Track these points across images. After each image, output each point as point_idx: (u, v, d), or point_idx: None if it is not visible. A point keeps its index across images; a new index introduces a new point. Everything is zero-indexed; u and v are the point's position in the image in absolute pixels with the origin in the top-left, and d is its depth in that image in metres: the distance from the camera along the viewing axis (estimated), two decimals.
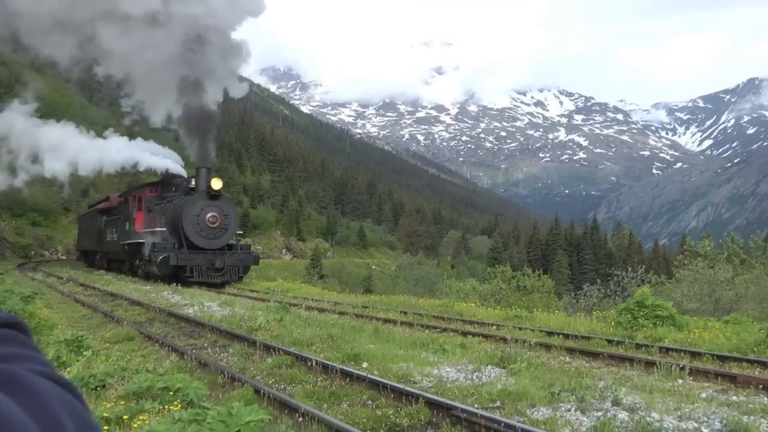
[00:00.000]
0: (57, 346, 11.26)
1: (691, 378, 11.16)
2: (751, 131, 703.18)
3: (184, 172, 38.93)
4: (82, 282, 33.65)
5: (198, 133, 34.24)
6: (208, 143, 34.67)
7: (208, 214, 32.54)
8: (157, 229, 34.72)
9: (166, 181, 38.79)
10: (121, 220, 40.93)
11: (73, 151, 45.00)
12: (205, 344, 14.74)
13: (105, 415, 7.17)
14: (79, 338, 11.87)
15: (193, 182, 34.49)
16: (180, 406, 7.74)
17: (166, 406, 7.73)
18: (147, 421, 7.04)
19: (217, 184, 32.88)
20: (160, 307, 20.77)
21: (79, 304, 23.72)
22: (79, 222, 64.00)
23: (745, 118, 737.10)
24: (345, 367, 10.75)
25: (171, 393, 8.10)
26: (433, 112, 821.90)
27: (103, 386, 8.95)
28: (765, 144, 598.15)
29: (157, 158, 40.87)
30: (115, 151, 43.33)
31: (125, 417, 7.26)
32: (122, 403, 8.03)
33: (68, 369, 9.87)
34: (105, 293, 27.32)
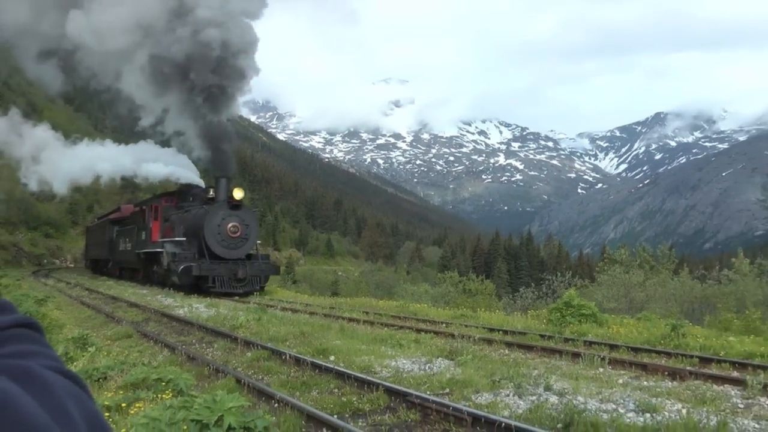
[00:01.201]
0: (65, 343, 11.25)
1: (610, 367, 11.25)
2: (658, 157, 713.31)
3: (201, 182, 35.04)
4: (87, 287, 33.23)
5: (217, 145, 30.78)
6: (228, 154, 31.16)
7: (230, 224, 28.84)
8: (176, 238, 30.84)
9: (183, 191, 34.77)
10: (135, 230, 36.84)
11: (99, 161, 39.92)
12: (194, 340, 14.66)
13: (106, 403, 7.14)
14: (85, 336, 11.86)
15: (212, 192, 30.61)
16: (171, 394, 7.72)
17: (159, 395, 7.70)
18: (142, 408, 6.97)
19: (238, 194, 29.16)
20: (155, 308, 20.63)
21: (84, 306, 23.56)
22: (88, 233, 60.26)
23: (653, 146, 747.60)
24: (315, 360, 10.74)
25: (163, 383, 8.08)
26: (392, 140, 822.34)
27: (105, 378, 8.94)
28: (669, 168, 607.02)
29: (179, 169, 36.19)
30: (132, 161, 38.04)
31: (123, 405, 7.22)
32: (121, 392, 8.00)
33: (75, 363, 9.85)
34: (107, 297, 27.04)
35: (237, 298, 27.44)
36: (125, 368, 9.35)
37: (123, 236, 40.88)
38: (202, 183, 34.73)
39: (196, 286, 28.17)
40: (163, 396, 7.63)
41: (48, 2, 35.07)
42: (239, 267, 28.26)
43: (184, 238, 30.33)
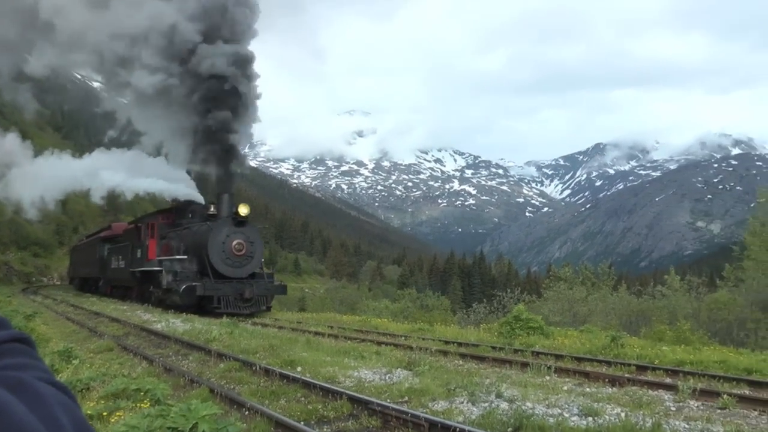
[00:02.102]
0: (51, 356, 11.15)
1: (555, 375, 11.34)
2: (598, 183, 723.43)
3: (200, 198, 31.53)
4: (72, 303, 32.50)
5: (221, 160, 27.65)
6: (232, 169, 28.02)
7: (234, 241, 25.69)
8: (177, 256, 27.63)
9: (181, 207, 31.26)
10: (129, 248, 33.18)
11: (85, 173, 35.29)
12: (170, 353, 14.48)
13: (89, 412, 7.08)
14: (69, 349, 11.81)
15: (212, 208, 27.99)
16: (149, 403, 7.67)
17: (138, 404, 7.65)
18: (122, 417, 6.91)
19: (244, 210, 25.92)
20: (135, 323, 20.31)
21: (69, 322, 23.24)
22: (73, 252, 58.33)
23: (594, 174, 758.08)
24: (283, 371, 10.67)
25: (142, 393, 8.04)
26: (355, 167, 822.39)
27: (88, 389, 8.87)
28: (608, 193, 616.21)
29: (177, 185, 32.39)
30: (124, 175, 33.68)
31: (105, 414, 7.17)
32: (102, 402, 7.93)
33: (60, 375, 9.71)
34: (90, 312, 26.51)
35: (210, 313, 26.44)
36: (106, 379, 9.28)
37: (115, 254, 37.47)
38: (201, 199, 31.52)
39: (199, 307, 25.42)
40: (142, 405, 7.59)
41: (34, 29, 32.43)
42: (246, 286, 25.24)
43: (185, 256, 27.30)
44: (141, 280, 31.07)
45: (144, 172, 33.01)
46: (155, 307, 27.21)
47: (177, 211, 31.42)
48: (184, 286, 25.14)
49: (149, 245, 30.00)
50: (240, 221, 26.04)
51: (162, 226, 30.86)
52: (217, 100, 28.01)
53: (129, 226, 36.62)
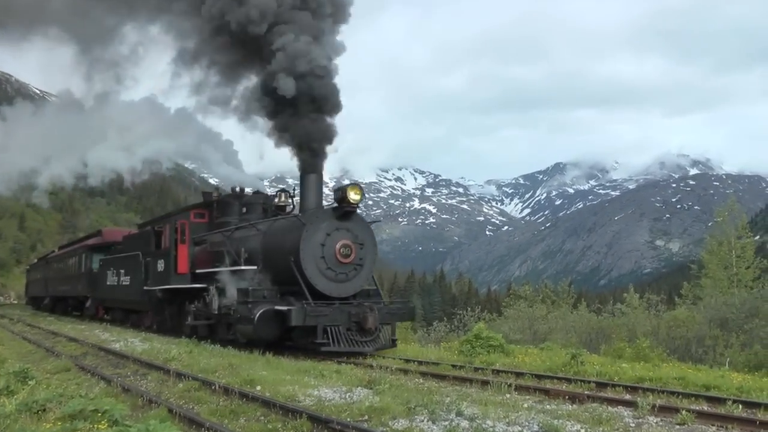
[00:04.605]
0: (6, 377, 10.95)
1: (516, 392, 11.40)
2: (558, 202, 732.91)
3: (259, 185, 23.82)
4: (29, 323, 31.68)
5: (305, 126, 18.14)
6: (323, 145, 18.63)
7: (339, 243, 17.22)
8: (243, 266, 18.27)
9: (225, 201, 22.80)
10: (141, 259, 25.18)
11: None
12: (129, 373, 14.29)
13: None
14: (25, 370, 11.61)
15: (280, 198, 21.22)
16: (107, 425, 7.58)
17: (96, 425, 7.53)
18: None
19: (355, 194, 17.26)
20: (93, 342, 19.92)
21: (26, 341, 22.76)
22: (36, 268, 51.28)
23: (554, 192, 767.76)
24: (242, 390, 10.61)
25: (99, 414, 7.92)
26: None
27: (44, 410, 8.73)
28: (568, 212, 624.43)
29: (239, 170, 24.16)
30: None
31: None
32: (59, 423, 7.79)
33: (15, 396, 9.52)
34: (48, 332, 25.89)
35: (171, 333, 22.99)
36: (63, 400, 9.10)
37: (113, 267, 29.20)
38: (262, 186, 24.12)
39: (283, 341, 17.59)
40: (99, 426, 7.48)
41: None
42: (364, 311, 16.66)
43: (255, 267, 18.38)
44: (161, 302, 23.30)
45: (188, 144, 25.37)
46: (113, 326, 26.40)
47: (220, 205, 22.93)
48: (260, 311, 16.72)
49: (179, 254, 21.96)
50: (347, 211, 17.53)
51: (195, 227, 22.85)
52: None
53: (135, 231, 30.15)
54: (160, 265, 22.95)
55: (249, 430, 8.57)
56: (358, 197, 17.35)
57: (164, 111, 27.17)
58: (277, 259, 17.98)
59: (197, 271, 21.27)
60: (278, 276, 17.98)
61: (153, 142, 26.04)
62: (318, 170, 18.70)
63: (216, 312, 19.02)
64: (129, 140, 26.73)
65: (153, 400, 10.49)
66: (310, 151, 18.46)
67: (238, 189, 23.12)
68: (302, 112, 18.24)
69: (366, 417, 8.77)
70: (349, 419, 8.45)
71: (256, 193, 22.74)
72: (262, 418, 9.19)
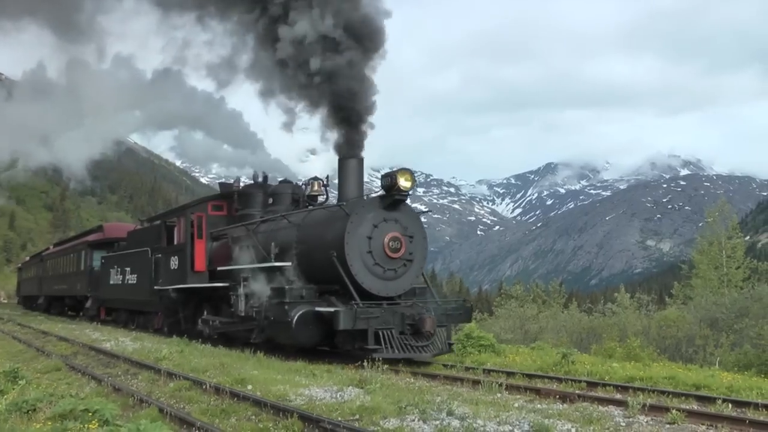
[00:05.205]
0: None
1: (507, 392, 11.42)
2: (549, 202, 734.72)
3: (288, 172, 21.40)
4: (19, 322, 31.51)
5: (346, 104, 16.13)
6: (362, 127, 16.59)
7: (388, 236, 15.26)
8: (276, 263, 16.35)
9: (247, 192, 20.53)
10: (149, 256, 23.58)
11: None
12: (119, 372, 14.27)
13: None
14: (15, 370, 11.61)
15: (312, 187, 18.96)
16: (97, 424, 7.57)
17: (86, 425, 7.50)
18: None
19: (406, 180, 15.20)
20: (83, 342, 19.85)
21: (16, 341, 22.71)
22: (29, 266, 50.16)
23: (545, 192, 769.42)
24: (233, 389, 10.58)
25: (90, 414, 7.90)
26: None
27: (34, 410, 8.72)
28: (559, 212, 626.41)
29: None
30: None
31: None
32: (49, 423, 7.77)
33: (5, 396, 9.52)
34: (38, 331, 25.77)
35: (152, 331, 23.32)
36: (54, 400, 9.08)
37: (117, 265, 27.44)
38: (288, 172, 21.60)
39: (324, 345, 16.28)
40: (90, 426, 7.46)
41: None
42: (424, 313, 14.93)
43: (289, 263, 16.35)
44: (177, 302, 21.36)
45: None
46: (104, 325, 26.27)
47: (241, 196, 20.59)
48: (299, 313, 15.04)
49: (196, 249, 20.26)
50: (396, 200, 15.55)
51: (213, 221, 20.80)
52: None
53: (140, 227, 28.46)
54: (174, 263, 21.18)
55: (240, 429, 8.55)
56: (408, 184, 15.37)
57: (141, 74, 24.55)
58: (315, 254, 15.99)
59: (218, 268, 19.15)
60: (315, 273, 16.08)
61: (132, 114, 24.18)
62: (359, 152, 16.70)
63: (242, 314, 16.96)
64: (107, 118, 23.95)
65: (144, 399, 10.46)
66: (350, 126, 16.44)
67: (260, 178, 21.08)
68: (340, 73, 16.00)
69: (357, 416, 8.77)
70: (340, 418, 8.45)
71: (284, 181, 20.30)
72: (253, 417, 9.18)
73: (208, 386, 11.00)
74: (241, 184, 21.12)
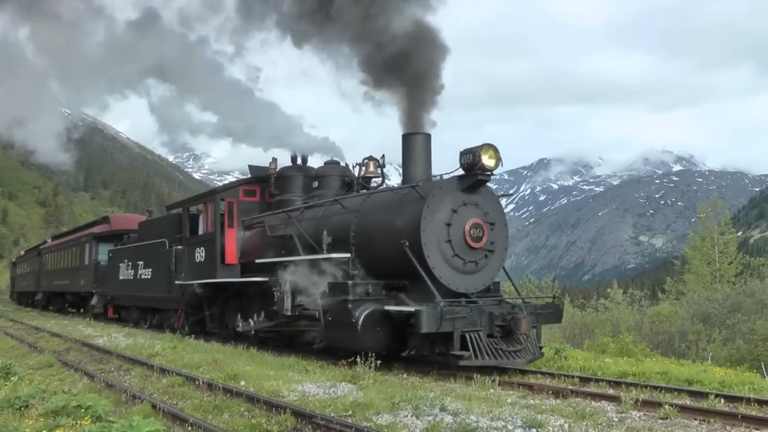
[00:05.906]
0: None
1: (500, 388, 11.44)
2: (542, 198, 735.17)
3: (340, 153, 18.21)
4: (12, 318, 31.48)
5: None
6: (428, 101, 14.34)
7: (469, 222, 12.99)
8: (332, 255, 13.74)
9: (286, 174, 17.96)
10: (168, 248, 21.34)
11: None
12: (112, 368, 14.25)
13: (27, 431, 6.95)
14: (8, 366, 11.61)
15: (367, 168, 16.45)
16: (90, 420, 7.57)
17: (79, 422, 7.51)
18: None
19: (490, 157, 12.83)
20: (76, 338, 19.89)
21: (8, 337, 22.69)
22: (17, 264, 49.34)
23: (538, 188, 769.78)
24: (226, 385, 10.59)
25: (83, 410, 7.91)
26: None
27: (27, 406, 8.74)
28: (552, 208, 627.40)
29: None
30: None
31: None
32: (42, 420, 7.75)
33: None
34: (31, 327, 25.80)
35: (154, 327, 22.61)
36: (46, 396, 9.11)
37: (129, 259, 25.03)
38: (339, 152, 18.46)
39: (394, 351, 13.50)
40: (83, 422, 7.46)
41: None
42: (518, 313, 12.73)
43: (348, 255, 13.80)
44: (203, 299, 19.14)
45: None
46: (97, 321, 26.15)
47: (279, 180, 18.01)
48: (366, 312, 12.71)
49: (227, 239, 17.87)
50: (479, 180, 13.23)
51: (245, 207, 18.43)
52: None
53: (159, 216, 26.50)
54: (199, 255, 18.81)
55: (233, 425, 8.54)
56: (493, 162, 12.97)
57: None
58: (380, 244, 13.63)
59: (256, 260, 16.56)
60: (379, 266, 13.75)
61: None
62: (426, 131, 14.41)
63: (288, 313, 14.88)
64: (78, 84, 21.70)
65: (136, 395, 10.46)
66: (417, 99, 14.36)
67: (300, 159, 18.68)
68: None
69: (350, 412, 8.78)
70: (332, 414, 8.47)
71: (330, 163, 17.61)
72: (246, 413, 9.18)
73: (201, 382, 11.02)
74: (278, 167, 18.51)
